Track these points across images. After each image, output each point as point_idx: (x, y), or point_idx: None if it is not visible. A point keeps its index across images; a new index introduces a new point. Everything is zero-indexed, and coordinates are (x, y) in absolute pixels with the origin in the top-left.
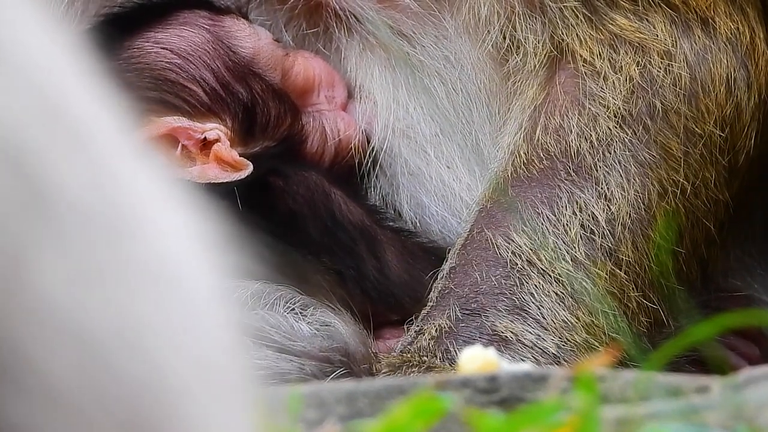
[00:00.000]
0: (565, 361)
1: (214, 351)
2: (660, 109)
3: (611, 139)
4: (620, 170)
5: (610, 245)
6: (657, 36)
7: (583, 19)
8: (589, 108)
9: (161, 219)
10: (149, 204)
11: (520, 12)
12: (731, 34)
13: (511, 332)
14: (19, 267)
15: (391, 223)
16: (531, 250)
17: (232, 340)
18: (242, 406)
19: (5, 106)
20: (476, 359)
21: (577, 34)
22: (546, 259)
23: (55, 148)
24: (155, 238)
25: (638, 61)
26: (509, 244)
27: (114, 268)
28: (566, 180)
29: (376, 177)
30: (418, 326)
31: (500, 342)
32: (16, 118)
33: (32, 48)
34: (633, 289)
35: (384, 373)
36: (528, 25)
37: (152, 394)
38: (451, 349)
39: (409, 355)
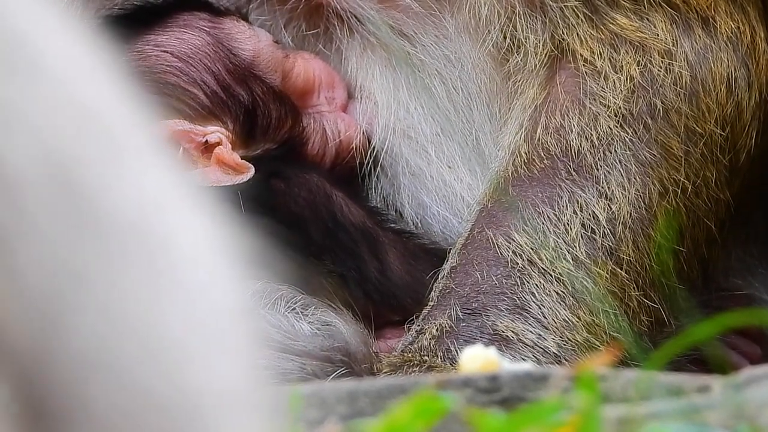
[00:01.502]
0: (566, 360)
1: (239, 367)
2: (661, 108)
3: (612, 139)
4: (621, 169)
5: (610, 244)
6: (657, 35)
7: (583, 19)
8: (590, 107)
9: (193, 235)
10: (183, 220)
11: (521, 12)
12: (732, 33)
13: (512, 332)
14: (66, 297)
15: (392, 225)
16: (532, 249)
17: (255, 355)
18: (263, 420)
19: (51, 124)
20: (477, 359)
21: (577, 34)
22: (547, 258)
23: (99, 165)
24: (188, 257)
25: (639, 61)
26: (510, 243)
27: (150, 290)
28: (567, 179)
29: (377, 177)
30: (419, 326)
31: (501, 341)
32: (62, 135)
33: (69, 60)
34: (634, 288)
35: (385, 372)
36: (528, 25)
37: (181, 412)
38: (452, 348)
39: (410, 355)
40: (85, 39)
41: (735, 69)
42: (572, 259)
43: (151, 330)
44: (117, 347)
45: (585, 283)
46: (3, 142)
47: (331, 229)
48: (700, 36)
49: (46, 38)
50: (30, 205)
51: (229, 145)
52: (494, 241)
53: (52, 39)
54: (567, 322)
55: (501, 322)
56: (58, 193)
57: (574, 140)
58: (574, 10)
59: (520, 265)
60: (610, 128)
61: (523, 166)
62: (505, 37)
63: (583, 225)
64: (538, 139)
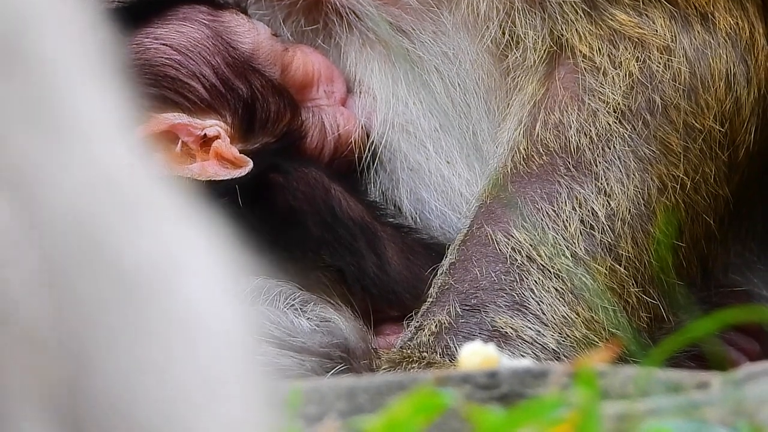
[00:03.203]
0: (565, 356)
1: (252, 414)
2: (659, 104)
3: (611, 135)
4: (620, 165)
5: (609, 241)
6: (656, 31)
7: (582, 15)
8: (589, 103)
9: (206, 286)
10: (198, 272)
11: (520, 7)
12: (731, 29)
13: (511, 328)
14: (89, 346)
15: (391, 220)
16: (531, 245)
17: (268, 400)
18: None
19: (77, 182)
20: (476, 355)
21: (576, 30)
22: (546, 254)
23: (118, 221)
24: (201, 306)
25: (638, 57)
26: (509, 239)
27: (166, 342)
28: (566, 175)
29: (376, 172)
30: (417, 322)
31: (500, 338)
32: (86, 192)
33: (95, 115)
34: (633, 284)
35: (384, 369)
36: (527, 21)
37: None
38: (451, 344)
39: (409, 351)
40: (110, 84)
41: (734, 65)
42: (571, 256)
43: (168, 381)
44: (135, 396)
45: (584, 279)
46: (36, 199)
47: (329, 223)
48: (699, 32)
49: (75, 92)
50: (57, 257)
51: (228, 139)
52: (493, 237)
53: (80, 92)
54: (566, 318)
55: (500, 319)
56: (82, 246)
57: (573, 136)
58: (573, 6)
59: (519, 261)
60: (609, 124)
61: (521, 162)
62: (503, 33)
63: (582, 221)
64: (537, 135)
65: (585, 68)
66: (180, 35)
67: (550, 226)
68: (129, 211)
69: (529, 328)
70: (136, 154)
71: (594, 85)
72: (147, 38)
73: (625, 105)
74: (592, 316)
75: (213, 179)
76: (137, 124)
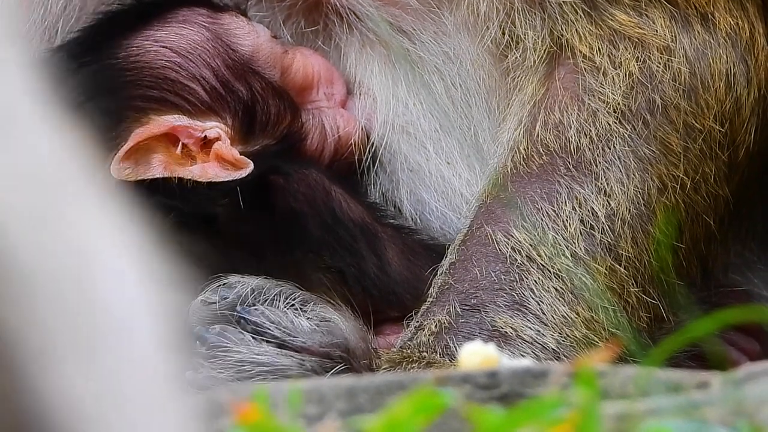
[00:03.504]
0: (565, 356)
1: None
2: (659, 104)
3: (611, 135)
4: (620, 165)
5: (609, 241)
6: (656, 31)
7: (582, 15)
8: (589, 103)
9: (118, 278)
10: (108, 263)
11: (519, 7)
12: (731, 29)
13: (511, 328)
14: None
15: (391, 221)
16: (531, 245)
17: (184, 411)
18: None
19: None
20: (476, 355)
21: (576, 30)
22: (545, 254)
23: (29, 206)
24: (112, 304)
25: (638, 57)
26: (509, 239)
27: (77, 345)
28: (566, 175)
29: (376, 173)
30: (417, 322)
31: (500, 338)
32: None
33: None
34: (633, 284)
35: (384, 368)
36: (527, 21)
37: None
38: (451, 344)
39: (408, 351)
40: (36, 79)
41: (734, 65)
42: (571, 255)
43: (81, 382)
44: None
45: (584, 279)
46: None
47: (330, 225)
48: (699, 32)
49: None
50: None
51: (228, 141)
52: (493, 237)
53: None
54: (566, 318)
55: (500, 318)
56: None
57: (573, 136)
58: (573, 6)
59: (518, 261)
60: (609, 124)
61: (521, 162)
62: (503, 33)
63: (581, 221)
64: (537, 135)
65: (585, 68)
66: (180, 38)
67: (550, 226)
68: (46, 206)
69: (529, 327)
70: (61, 150)
71: (594, 85)
72: (147, 41)
73: (625, 105)
74: (592, 316)
75: (213, 181)
76: (65, 119)
